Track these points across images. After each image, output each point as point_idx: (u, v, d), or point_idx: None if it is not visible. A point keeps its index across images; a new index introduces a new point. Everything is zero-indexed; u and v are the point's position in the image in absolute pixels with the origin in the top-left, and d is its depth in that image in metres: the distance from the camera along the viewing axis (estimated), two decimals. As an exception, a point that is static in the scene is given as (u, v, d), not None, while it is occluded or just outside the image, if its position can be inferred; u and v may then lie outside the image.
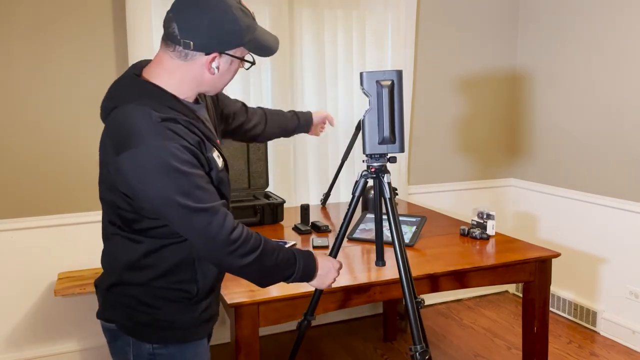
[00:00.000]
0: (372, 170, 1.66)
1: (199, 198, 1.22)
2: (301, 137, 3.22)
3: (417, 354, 1.56)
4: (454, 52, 3.61)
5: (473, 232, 2.40)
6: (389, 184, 1.65)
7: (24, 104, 2.71)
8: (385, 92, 1.54)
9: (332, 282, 1.52)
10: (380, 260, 1.77)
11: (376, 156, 1.63)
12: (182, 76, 1.30)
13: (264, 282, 1.39)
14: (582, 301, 3.41)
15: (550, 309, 3.58)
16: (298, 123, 2.01)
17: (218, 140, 1.42)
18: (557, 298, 3.54)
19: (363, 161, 1.68)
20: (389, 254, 2.21)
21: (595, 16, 3.20)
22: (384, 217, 1.68)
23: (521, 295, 2.35)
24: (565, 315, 3.51)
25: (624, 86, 3.06)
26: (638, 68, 2.98)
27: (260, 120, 1.88)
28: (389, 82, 1.54)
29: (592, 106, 3.26)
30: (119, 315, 1.38)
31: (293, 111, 2.02)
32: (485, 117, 3.77)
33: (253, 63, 1.35)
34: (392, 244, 1.62)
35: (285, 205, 2.82)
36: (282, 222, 2.73)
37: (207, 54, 1.27)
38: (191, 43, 1.24)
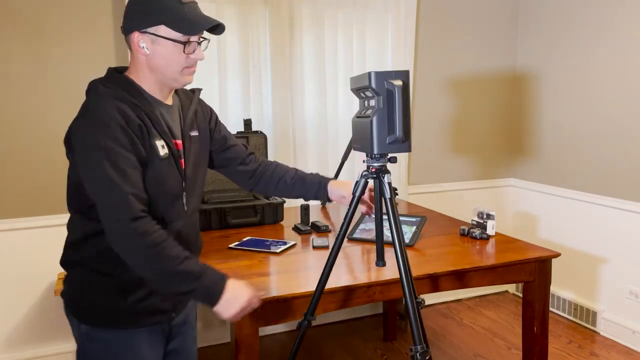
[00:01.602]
0: (373, 170, 1.66)
1: (116, 170, 1.32)
2: (301, 136, 3.22)
3: (418, 354, 1.56)
4: (454, 52, 3.61)
5: (473, 232, 2.40)
6: (390, 184, 1.64)
7: (24, 105, 2.71)
8: (398, 91, 1.53)
9: (238, 313, 1.42)
10: (381, 261, 1.76)
11: (377, 156, 1.63)
12: (135, 65, 1.45)
13: (160, 286, 1.41)
14: (582, 301, 3.41)
15: (550, 309, 3.58)
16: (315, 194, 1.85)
17: (175, 140, 1.50)
18: (557, 298, 3.54)
19: (363, 161, 1.68)
20: (389, 254, 2.22)
21: (595, 16, 3.20)
22: (384, 217, 1.68)
23: (521, 295, 2.35)
24: (565, 315, 3.51)
25: (624, 86, 3.06)
26: (637, 68, 2.98)
27: (269, 176, 1.81)
28: (401, 82, 1.54)
29: (592, 106, 3.26)
30: (65, 293, 1.53)
31: (318, 183, 1.83)
32: (485, 117, 3.77)
33: (184, 44, 1.40)
34: (392, 244, 1.62)
35: (285, 205, 2.82)
36: (282, 222, 2.73)
37: (129, 33, 1.42)
38: (121, 28, 1.44)
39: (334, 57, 3.23)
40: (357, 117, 1.68)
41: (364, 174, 1.68)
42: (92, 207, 1.39)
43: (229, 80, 3.01)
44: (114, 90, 1.41)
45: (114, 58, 2.82)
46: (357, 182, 1.69)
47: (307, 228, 2.51)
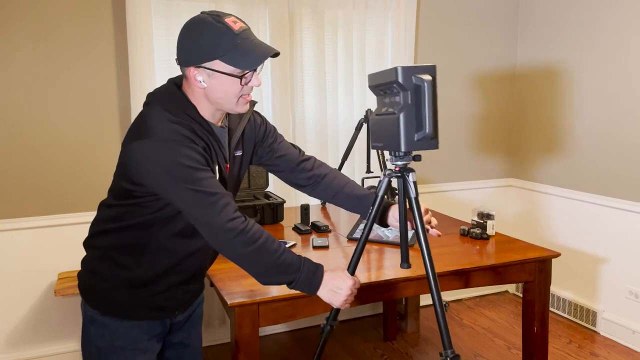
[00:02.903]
0: (397, 169, 1.60)
1: (202, 184, 1.36)
2: (301, 136, 3.22)
3: (449, 358, 1.54)
4: (454, 52, 3.61)
5: (473, 232, 2.40)
6: (415, 183, 1.59)
7: (25, 105, 2.71)
8: (427, 86, 1.48)
9: (345, 302, 1.51)
10: (406, 262, 1.70)
11: (401, 155, 1.58)
12: (192, 91, 1.45)
13: (261, 278, 1.46)
14: (582, 301, 3.41)
15: (550, 309, 3.58)
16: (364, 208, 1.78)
17: (227, 164, 1.54)
18: (557, 298, 3.54)
19: (387, 160, 1.62)
20: (388, 254, 2.22)
21: (595, 14, 3.20)
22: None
23: (521, 295, 2.35)
24: (565, 315, 3.51)
25: (624, 85, 3.06)
26: (637, 68, 2.98)
27: (321, 173, 1.78)
28: (430, 77, 1.48)
29: (593, 106, 3.26)
30: (80, 273, 1.59)
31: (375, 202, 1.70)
32: (485, 117, 3.77)
33: (240, 77, 1.40)
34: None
35: (285, 205, 2.82)
36: (282, 222, 2.73)
37: (185, 67, 1.41)
38: (176, 60, 1.44)
39: (334, 57, 3.23)
40: (378, 114, 1.61)
41: (387, 172, 1.63)
42: (130, 206, 1.46)
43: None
44: (176, 113, 1.41)
45: (114, 59, 2.82)
46: (380, 180, 1.64)
47: (307, 228, 2.51)
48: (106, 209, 1.53)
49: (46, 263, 2.82)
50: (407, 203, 1.61)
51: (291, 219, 2.78)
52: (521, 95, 3.78)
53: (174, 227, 1.47)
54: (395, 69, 1.49)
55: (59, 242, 2.83)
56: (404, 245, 1.70)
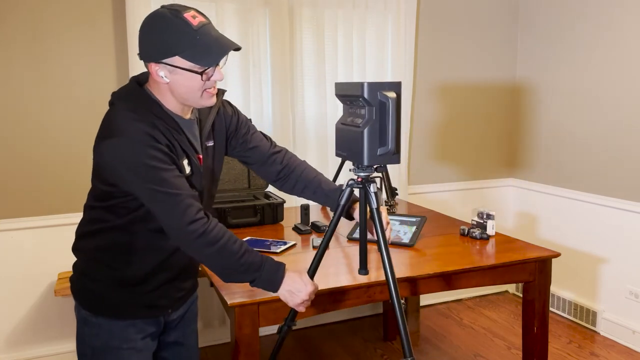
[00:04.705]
0: (359, 180, 1.64)
1: (165, 185, 1.37)
2: (301, 136, 3.22)
3: None
4: (454, 52, 3.61)
5: (473, 232, 2.40)
6: (376, 193, 1.62)
7: (24, 105, 2.71)
8: (391, 104, 1.50)
9: (301, 305, 1.55)
10: (364, 269, 1.75)
11: (363, 166, 1.60)
12: (157, 86, 1.45)
13: (224, 278, 1.49)
14: (582, 301, 3.41)
15: (550, 309, 3.58)
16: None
17: (199, 155, 1.54)
18: (557, 298, 3.54)
19: (350, 170, 1.66)
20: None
21: (594, 16, 3.20)
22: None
23: (521, 295, 2.35)
24: (565, 315, 3.51)
25: (622, 88, 3.06)
26: (634, 72, 2.98)
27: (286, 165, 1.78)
28: (394, 94, 1.51)
29: (592, 107, 3.26)
30: (72, 276, 1.60)
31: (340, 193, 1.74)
32: (485, 117, 3.77)
33: (200, 73, 1.40)
34: (379, 252, 1.61)
35: (285, 205, 2.82)
36: (282, 222, 2.73)
37: (147, 62, 1.42)
38: (138, 55, 1.44)
39: (334, 57, 3.23)
40: (343, 124, 1.63)
41: (349, 182, 1.66)
42: (109, 207, 1.47)
43: (228, 80, 3.01)
44: (139, 110, 1.42)
45: (113, 57, 2.82)
46: (342, 190, 1.68)
47: (307, 228, 2.51)
48: (90, 210, 1.54)
49: (46, 263, 2.82)
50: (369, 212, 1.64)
51: (291, 219, 2.78)
52: (521, 96, 3.78)
53: (156, 225, 1.47)
54: (362, 84, 1.51)
55: (59, 242, 2.83)
56: (362, 253, 1.74)
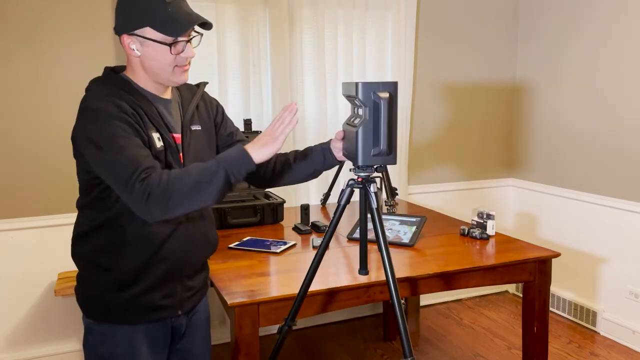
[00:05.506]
0: (359, 180, 1.63)
1: (122, 154, 1.35)
2: (301, 136, 3.22)
3: None
4: (455, 52, 3.61)
5: (473, 232, 2.40)
6: (376, 193, 1.61)
7: (24, 104, 2.71)
8: (384, 104, 1.49)
9: (282, 132, 1.42)
10: (364, 269, 1.74)
11: (363, 166, 1.59)
12: (130, 64, 1.48)
13: (203, 200, 1.37)
14: (582, 301, 3.41)
15: (550, 309, 3.58)
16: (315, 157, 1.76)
17: (174, 134, 1.52)
18: (557, 298, 3.54)
19: (350, 170, 1.64)
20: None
21: (594, 16, 3.20)
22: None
23: (521, 295, 2.35)
24: (565, 315, 3.51)
25: (622, 89, 3.06)
26: (634, 72, 2.98)
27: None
28: (387, 95, 1.50)
29: (592, 107, 3.26)
30: (76, 287, 1.59)
31: (322, 150, 1.73)
32: (485, 117, 3.77)
33: (170, 45, 1.41)
34: (379, 252, 1.59)
35: (285, 205, 2.82)
36: (282, 222, 2.73)
37: (120, 35, 1.44)
38: (114, 29, 1.47)
39: (334, 57, 3.23)
40: (347, 124, 1.63)
41: (349, 182, 1.66)
42: (95, 200, 1.47)
43: (229, 80, 3.01)
44: (109, 87, 1.45)
45: (113, 57, 2.82)
46: (342, 190, 1.67)
47: (307, 228, 2.51)
48: (80, 212, 1.55)
49: (46, 263, 2.82)
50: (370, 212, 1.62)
51: (291, 219, 2.78)
52: (521, 96, 3.78)
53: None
54: (356, 84, 1.51)
55: (59, 242, 2.83)
56: (362, 253, 1.74)
